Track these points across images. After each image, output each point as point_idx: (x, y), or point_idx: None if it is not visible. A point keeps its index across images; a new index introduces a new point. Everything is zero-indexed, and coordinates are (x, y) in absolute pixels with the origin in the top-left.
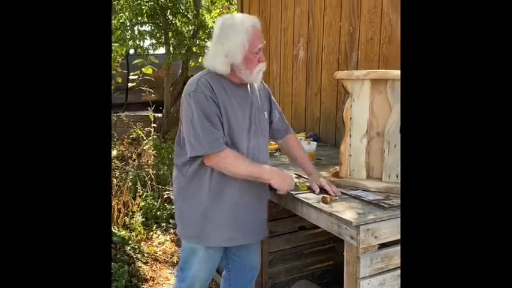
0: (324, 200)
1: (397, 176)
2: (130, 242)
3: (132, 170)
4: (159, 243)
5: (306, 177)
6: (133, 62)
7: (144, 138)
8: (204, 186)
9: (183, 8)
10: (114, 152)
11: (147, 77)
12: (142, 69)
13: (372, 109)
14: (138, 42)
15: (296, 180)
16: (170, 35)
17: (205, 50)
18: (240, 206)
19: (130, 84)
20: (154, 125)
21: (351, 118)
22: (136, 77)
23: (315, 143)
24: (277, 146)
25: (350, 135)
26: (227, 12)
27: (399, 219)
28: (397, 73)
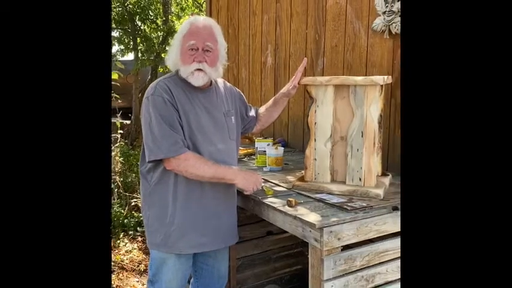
0: (289, 204)
1: (360, 179)
2: None
3: None
4: (126, 251)
5: (272, 182)
6: None
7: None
8: (169, 192)
9: (152, 14)
10: None
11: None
12: None
13: (336, 114)
14: None
15: (263, 184)
16: (139, 41)
17: None
18: (207, 210)
19: None
20: (121, 132)
21: (315, 123)
22: None
23: (283, 148)
24: (245, 151)
25: (315, 140)
26: None
27: (362, 221)
28: (358, 79)
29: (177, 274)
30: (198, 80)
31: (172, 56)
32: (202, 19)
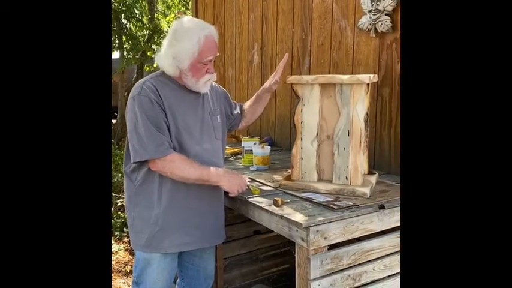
0: (275, 203)
1: (347, 178)
2: None
3: None
4: (112, 252)
5: (259, 181)
6: None
7: None
8: (154, 192)
9: (137, 12)
10: None
11: None
12: None
13: (322, 113)
14: None
15: (249, 183)
16: (124, 39)
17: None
18: (192, 210)
19: None
20: None
21: (301, 122)
22: None
23: (269, 147)
24: (232, 150)
25: (301, 139)
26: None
27: (348, 219)
28: (344, 77)
29: (162, 274)
30: (206, 89)
31: (172, 62)
32: (213, 29)
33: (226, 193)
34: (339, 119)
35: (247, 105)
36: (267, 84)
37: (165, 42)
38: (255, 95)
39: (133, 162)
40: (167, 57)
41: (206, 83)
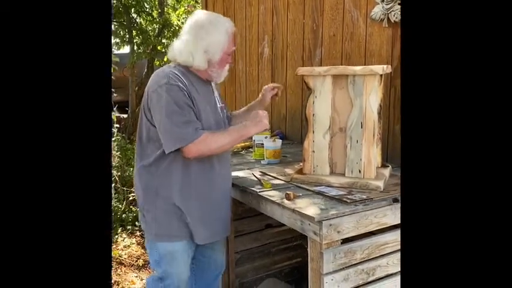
0: (287, 197)
1: (360, 171)
2: None
3: None
4: (125, 246)
5: (270, 175)
6: None
7: None
8: (177, 182)
9: (147, 6)
10: None
11: None
12: None
13: (334, 105)
14: None
15: (260, 178)
16: (134, 33)
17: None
18: (211, 202)
19: None
20: (118, 126)
21: (313, 114)
22: None
23: (281, 140)
24: (243, 144)
25: (313, 132)
26: (193, 11)
27: (362, 213)
28: (356, 69)
29: (186, 265)
30: (223, 78)
31: (203, 55)
32: (232, 22)
33: (237, 186)
34: (352, 111)
35: (237, 113)
36: (251, 106)
37: (186, 36)
38: (247, 106)
39: (168, 152)
40: (197, 51)
41: (225, 73)
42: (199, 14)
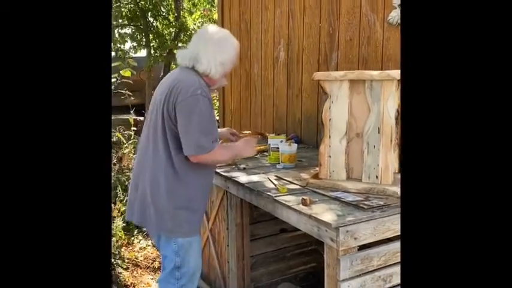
0: (303, 202)
1: (377, 177)
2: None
3: (113, 174)
4: (140, 248)
5: (286, 179)
6: (112, 65)
7: (125, 142)
8: (193, 182)
9: (164, 10)
10: None
11: (127, 80)
12: (121, 72)
13: (351, 110)
14: (118, 45)
15: (276, 182)
16: (151, 37)
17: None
18: (207, 196)
19: None
20: (135, 129)
21: (330, 119)
22: (114, 80)
23: (296, 145)
24: (258, 147)
25: (329, 137)
26: (208, 15)
27: (379, 220)
28: (374, 73)
29: (199, 253)
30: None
31: (220, 68)
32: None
33: (252, 190)
34: (369, 116)
35: None
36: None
37: (204, 48)
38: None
39: (189, 155)
40: (216, 63)
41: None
42: (215, 29)
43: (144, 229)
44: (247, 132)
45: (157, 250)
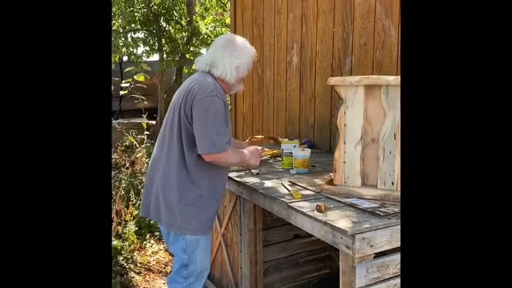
0: (318, 209)
1: (393, 183)
2: (123, 251)
3: (125, 178)
4: (153, 252)
5: (300, 185)
6: (126, 70)
7: (138, 145)
8: (204, 180)
9: (176, 15)
10: None
11: (140, 85)
12: (134, 76)
13: (366, 115)
14: (131, 50)
15: (290, 188)
16: (164, 42)
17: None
18: (220, 196)
19: (122, 92)
20: (148, 133)
21: (345, 125)
22: (128, 84)
23: (309, 150)
24: (271, 152)
25: (344, 142)
26: (221, 19)
27: (395, 227)
28: (390, 79)
29: (207, 252)
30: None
31: (234, 72)
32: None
33: (266, 195)
34: (385, 121)
35: None
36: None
37: (221, 53)
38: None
39: (202, 153)
40: (231, 67)
41: (242, 87)
42: (232, 37)
43: (156, 233)
44: (260, 136)
45: (168, 250)
